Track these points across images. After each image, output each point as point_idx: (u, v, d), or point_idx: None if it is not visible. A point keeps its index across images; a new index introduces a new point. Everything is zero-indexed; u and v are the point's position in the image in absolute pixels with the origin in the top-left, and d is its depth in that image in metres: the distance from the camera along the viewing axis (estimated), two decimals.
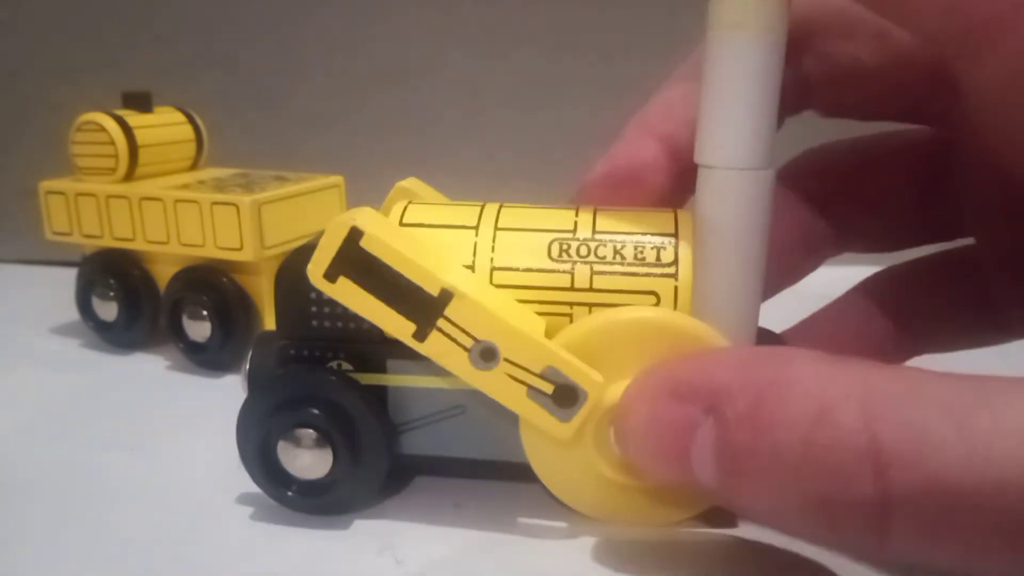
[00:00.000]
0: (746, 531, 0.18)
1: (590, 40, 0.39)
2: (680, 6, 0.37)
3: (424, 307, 0.16)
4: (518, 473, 0.18)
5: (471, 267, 0.17)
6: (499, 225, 0.18)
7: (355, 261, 0.16)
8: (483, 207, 0.18)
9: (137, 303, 0.29)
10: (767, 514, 0.14)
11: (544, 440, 0.17)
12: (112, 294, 0.28)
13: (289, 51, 0.39)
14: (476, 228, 0.18)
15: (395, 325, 0.16)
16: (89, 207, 0.29)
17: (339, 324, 0.18)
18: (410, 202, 0.19)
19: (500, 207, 0.18)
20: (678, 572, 0.17)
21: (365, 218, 0.16)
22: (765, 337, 0.19)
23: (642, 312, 0.17)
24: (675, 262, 0.17)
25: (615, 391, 0.16)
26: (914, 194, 0.20)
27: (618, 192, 0.18)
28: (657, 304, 0.17)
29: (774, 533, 0.18)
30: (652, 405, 0.15)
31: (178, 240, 0.28)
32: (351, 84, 0.39)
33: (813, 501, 0.13)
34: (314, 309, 0.18)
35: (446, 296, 0.16)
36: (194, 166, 0.32)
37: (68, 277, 0.30)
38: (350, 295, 0.16)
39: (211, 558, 0.17)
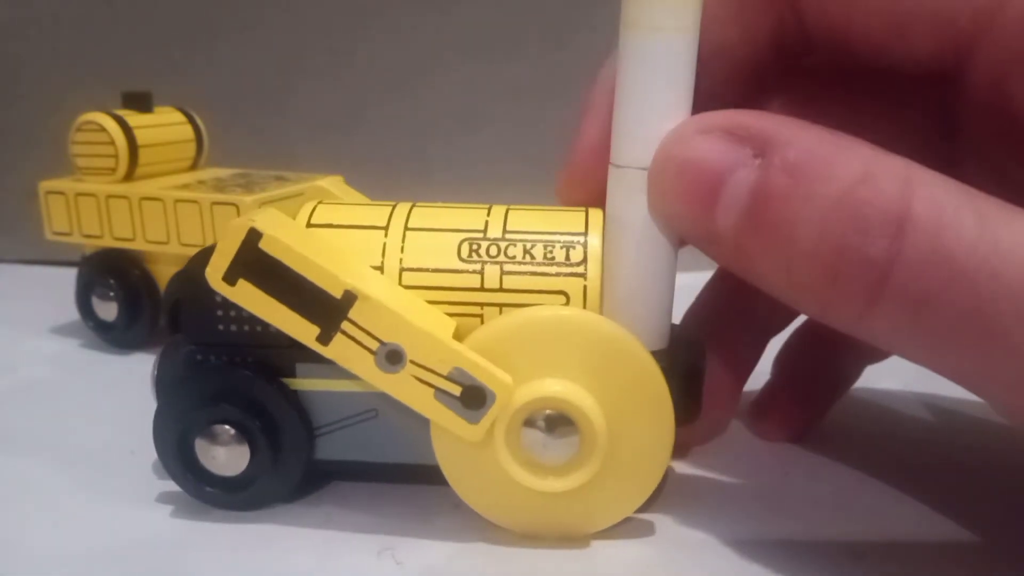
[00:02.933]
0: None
1: (590, 42, 0.39)
2: None
3: (327, 310, 0.16)
4: (436, 477, 0.17)
5: (380, 268, 0.17)
6: (409, 225, 0.18)
7: (255, 264, 0.15)
8: (394, 207, 0.18)
9: (137, 303, 0.29)
10: (769, 268, 0.15)
11: (455, 445, 0.17)
12: (112, 294, 0.28)
13: (289, 51, 0.39)
14: (386, 228, 0.17)
15: (298, 329, 0.16)
16: (89, 207, 0.29)
17: (246, 328, 0.17)
18: (320, 202, 0.18)
19: (412, 207, 0.18)
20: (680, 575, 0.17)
21: (265, 219, 0.16)
22: (680, 334, 0.18)
23: (550, 311, 0.17)
24: (584, 261, 0.17)
25: (526, 391, 0.16)
26: None
27: (586, 188, 0.18)
28: (567, 304, 0.17)
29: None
30: (704, 138, 0.15)
31: (178, 240, 0.28)
32: (351, 84, 0.39)
33: (825, 255, 0.14)
34: (220, 313, 0.17)
35: (349, 298, 0.15)
36: (194, 166, 0.32)
37: (68, 277, 0.30)
38: (251, 299, 0.16)
39: (212, 558, 0.17)
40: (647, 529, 0.18)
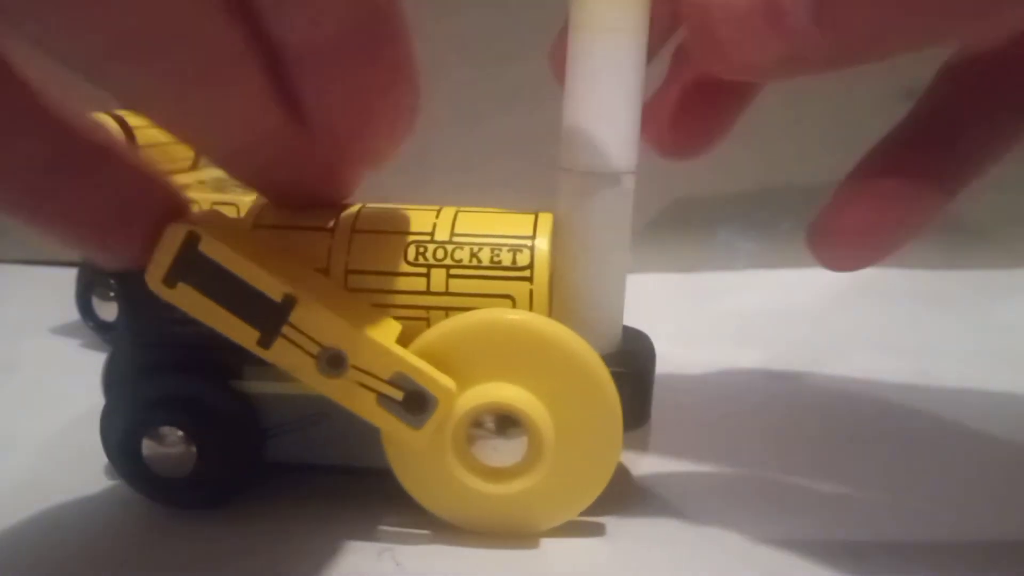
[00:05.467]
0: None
1: None
2: None
3: (267, 314, 0.15)
4: (387, 479, 0.17)
5: (325, 270, 0.17)
6: (356, 227, 0.17)
7: (194, 266, 0.15)
8: (342, 208, 0.18)
9: None
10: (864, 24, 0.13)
11: (405, 448, 0.17)
12: (112, 294, 0.28)
13: None
14: (332, 230, 0.17)
15: (239, 332, 0.15)
16: None
17: (192, 328, 0.17)
18: (267, 202, 0.18)
19: (360, 207, 0.18)
20: (684, 574, 0.17)
21: (205, 222, 0.15)
22: (632, 336, 0.19)
23: (496, 314, 0.16)
24: (530, 265, 0.17)
25: (472, 395, 0.16)
26: None
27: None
28: (513, 308, 0.17)
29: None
30: None
31: None
32: None
33: None
34: (165, 314, 0.17)
35: (289, 302, 0.15)
36: (194, 166, 0.32)
37: (68, 277, 0.30)
38: (191, 301, 0.15)
39: (212, 559, 0.17)
40: (607, 528, 0.18)
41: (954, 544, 0.18)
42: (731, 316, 0.34)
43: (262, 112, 0.14)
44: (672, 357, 0.19)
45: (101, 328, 0.29)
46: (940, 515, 0.19)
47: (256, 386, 0.18)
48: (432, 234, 0.17)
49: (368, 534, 0.18)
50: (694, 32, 0.15)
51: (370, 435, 0.17)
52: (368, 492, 0.19)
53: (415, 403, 0.16)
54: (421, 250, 0.17)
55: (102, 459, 0.21)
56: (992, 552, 0.17)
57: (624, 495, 0.19)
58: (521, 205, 0.18)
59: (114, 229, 0.15)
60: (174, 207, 0.16)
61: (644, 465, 0.21)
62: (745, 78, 0.16)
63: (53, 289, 0.33)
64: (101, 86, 0.13)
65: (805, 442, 0.23)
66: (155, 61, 0.12)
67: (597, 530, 0.18)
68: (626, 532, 0.18)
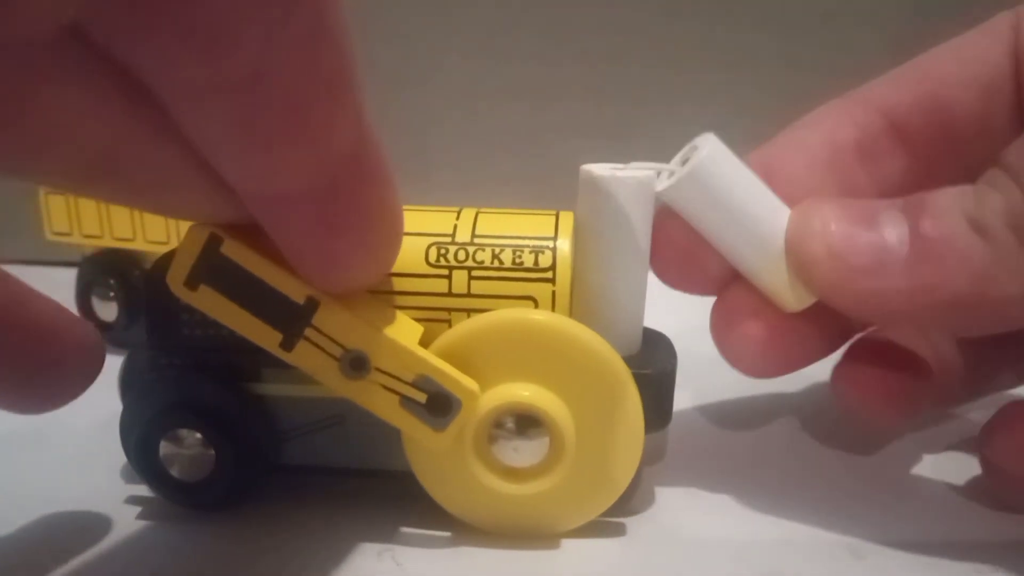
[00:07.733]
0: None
1: (590, 41, 0.39)
2: (679, 8, 0.37)
3: (290, 316, 0.15)
4: (407, 481, 0.17)
5: None
6: None
7: (216, 268, 0.15)
8: None
9: (137, 303, 0.28)
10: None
11: (427, 450, 0.17)
12: (112, 294, 0.28)
13: None
14: None
15: (261, 335, 0.15)
16: (89, 207, 0.29)
17: (211, 331, 0.17)
18: None
19: None
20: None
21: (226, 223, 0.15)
22: (652, 339, 0.19)
23: (517, 314, 0.16)
24: (553, 267, 0.17)
25: (493, 396, 0.16)
26: None
27: None
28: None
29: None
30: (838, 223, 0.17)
31: (178, 240, 0.27)
32: None
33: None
34: (185, 316, 0.17)
35: (312, 304, 0.15)
36: None
37: (68, 277, 0.30)
38: (213, 304, 0.15)
39: (212, 559, 0.17)
40: (622, 529, 0.18)
41: (953, 544, 0.18)
42: None
43: (223, 205, 0.14)
44: (678, 358, 0.19)
45: (101, 328, 0.29)
46: (940, 515, 0.19)
47: (274, 389, 0.18)
48: (453, 235, 0.17)
49: (368, 534, 0.18)
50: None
51: (388, 437, 0.17)
52: (369, 492, 0.19)
53: (439, 405, 0.16)
54: (442, 252, 0.17)
55: (101, 457, 0.21)
56: (992, 552, 0.17)
57: (645, 496, 0.19)
58: (521, 203, 0.18)
59: (12, 390, 0.15)
60: (84, 354, 0.16)
61: (664, 466, 0.21)
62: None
63: (53, 289, 0.33)
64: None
65: (816, 443, 0.23)
66: (103, 182, 0.13)
67: (617, 531, 0.18)
68: (646, 533, 0.18)
